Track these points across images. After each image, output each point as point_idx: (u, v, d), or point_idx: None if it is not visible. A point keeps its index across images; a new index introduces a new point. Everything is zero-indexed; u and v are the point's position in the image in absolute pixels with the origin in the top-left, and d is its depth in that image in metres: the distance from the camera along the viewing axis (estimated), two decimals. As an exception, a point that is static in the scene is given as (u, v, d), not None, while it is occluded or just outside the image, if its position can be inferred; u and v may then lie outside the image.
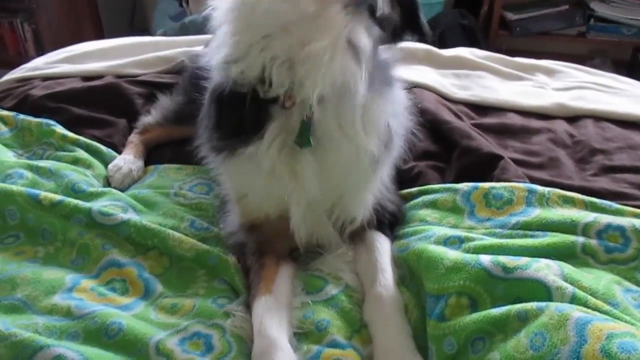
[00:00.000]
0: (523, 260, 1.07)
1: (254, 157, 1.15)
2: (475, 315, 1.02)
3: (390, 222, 1.34)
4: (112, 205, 1.38)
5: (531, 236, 1.20)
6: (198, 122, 1.32)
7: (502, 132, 1.70)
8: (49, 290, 1.13)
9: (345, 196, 1.24)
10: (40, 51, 4.26)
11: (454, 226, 1.29)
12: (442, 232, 1.24)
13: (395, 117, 1.22)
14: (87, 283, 1.17)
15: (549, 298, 0.99)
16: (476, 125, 1.71)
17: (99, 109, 1.82)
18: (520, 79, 2.02)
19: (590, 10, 4.10)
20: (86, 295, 1.13)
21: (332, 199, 1.23)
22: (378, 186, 1.29)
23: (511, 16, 4.25)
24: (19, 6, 4.31)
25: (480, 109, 1.84)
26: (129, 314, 1.12)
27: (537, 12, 4.25)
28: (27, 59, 2.26)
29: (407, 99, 1.32)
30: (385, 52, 1.20)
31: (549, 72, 2.06)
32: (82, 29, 4.36)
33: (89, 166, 1.57)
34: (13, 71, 2.10)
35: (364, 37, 1.03)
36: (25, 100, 1.81)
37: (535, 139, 1.66)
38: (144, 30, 4.33)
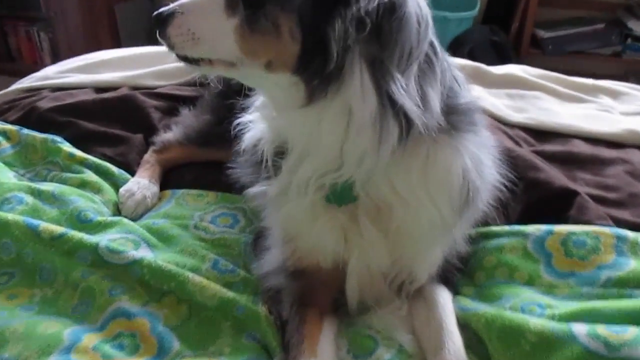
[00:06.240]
0: (630, 333, 0.86)
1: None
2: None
3: (454, 274, 1.14)
4: (122, 238, 1.19)
5: (629, 296, 0.99)
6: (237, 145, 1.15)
7: (569, 161, 1.48)
8: (44, 349, 0.93)
9: (407, 259, 1.05)
10: (57, 61, 4.14)
11: (529, 283, 1.09)
12: (517, 294, 1.04)
13: (478, 169, 1.01)
14: (89, 339, 0.97)
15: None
16: (537, 153, 1.49)
17: (112, 123, 1.65)
18: (581, 100, 1.81)
19: (628, 29, 3.94)
20: (88, 357, 0.93)
21: (392, 259, 1.05)
22: (449, 246, 1.10)
23: (543, 34, 4.09)
24: (36, 14, 4.22)
25: (539, 134, 1.63)
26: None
27: (571, 31, 4.08)
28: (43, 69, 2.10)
29: (494, 145, 1.10)
30: (463, 93, 1.01)
31: (613, 94, 1.85)
32: (100, 38, 4.24)
33: (97, 190, 1.38)
34: (21, 80, 1.93)
35: None
36: (31, 113, 1.64)
37: (609, 170, 1.44)
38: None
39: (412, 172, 0.96)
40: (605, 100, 1.81)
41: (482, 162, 1.03)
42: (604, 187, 1.38)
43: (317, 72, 0.85)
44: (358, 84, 0.84)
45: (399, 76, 0.85)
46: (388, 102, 0.85)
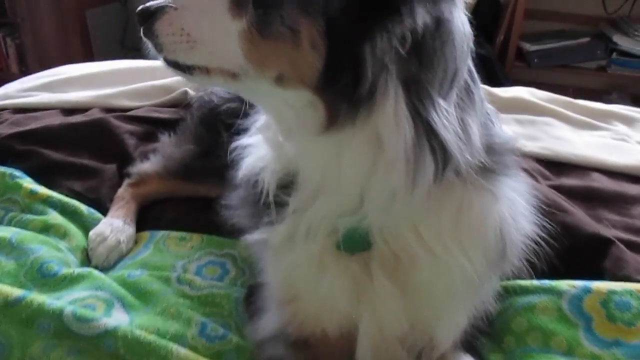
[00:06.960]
0: None
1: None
2: None
3: (478, 339, 0.99)
4: (91, 297, 1.02)
5: (690, 374, 0.85)
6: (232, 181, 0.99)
7: (590, 198, 1.35)
8: None
9: (429, 321, 0.90)
10: (24, 68, 4.01)
11: (569, 352, 0.94)
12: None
13: (515, 219, 0.87)
14: None
15: None
16: (555, 188, 1.36)
17: (81, 152, 1.47)
18: (593, 127, 1.69)
19: (613, 43, 3.90)
20: None
21: (410, 322, 0.89)
22: (476, 307, 0.95)
23: (529, 47, 4.04)
24: (1, 19, 4.02)
25: (553, 165, 1.50)
26: None
27: (556, 44, 4.03)
28: (10, 76, 1.91)
29: (531, 192, 0.96)
30: (497, 131, 0.87)
31: (627, 121, 1.73)
32: (70, 45, 4.05)
33: (63, 235, 1.19)
34: (-22, 100, 1.73)
35: None
36: (-13, 141, 1.44)
37: (636, 209, 1.31)
38: (136, 49, 4.00)
39: (444, 217, 0.81)
40: (620, 127, 1.68)
41: (519, 211, 0.89)
42: (633, 231, 1.24)
43: (344, 92, 0.70)
44: (391, 110, 0.70)
45: (440, 101, 0.71)
46: (424, 133, 0.71)
